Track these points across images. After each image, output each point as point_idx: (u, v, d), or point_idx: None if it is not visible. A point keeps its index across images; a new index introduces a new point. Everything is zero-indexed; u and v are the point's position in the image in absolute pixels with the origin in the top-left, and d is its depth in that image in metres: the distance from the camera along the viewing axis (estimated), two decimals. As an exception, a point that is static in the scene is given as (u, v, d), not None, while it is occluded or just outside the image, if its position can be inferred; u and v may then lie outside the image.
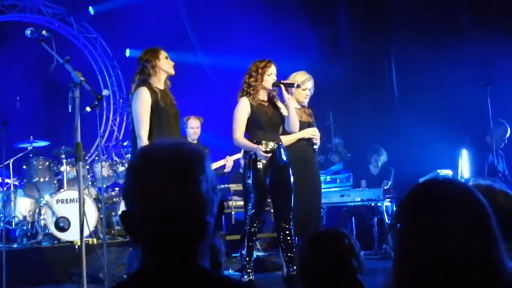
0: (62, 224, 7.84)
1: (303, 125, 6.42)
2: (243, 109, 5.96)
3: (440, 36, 10.07)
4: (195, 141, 8.60)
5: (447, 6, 10.34)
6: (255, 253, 7.66)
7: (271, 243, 9.05)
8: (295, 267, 5.62)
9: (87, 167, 8.89)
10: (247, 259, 5.88)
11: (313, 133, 6.51)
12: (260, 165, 5.85)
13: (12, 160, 8.54)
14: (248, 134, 6.00)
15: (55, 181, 8.64)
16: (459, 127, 9.40)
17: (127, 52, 12.39)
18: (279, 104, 6.14)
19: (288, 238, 5.92)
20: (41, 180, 8.45)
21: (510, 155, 8.84)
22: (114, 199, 8.90)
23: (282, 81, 6.11)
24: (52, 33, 5.42)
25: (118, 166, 8.99)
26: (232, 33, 11.06)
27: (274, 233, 7.67)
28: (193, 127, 8.59)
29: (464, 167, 8.64)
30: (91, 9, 12.22)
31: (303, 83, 6.48)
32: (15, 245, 8.06)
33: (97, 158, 10.18)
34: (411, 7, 10.44)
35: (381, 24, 11.14)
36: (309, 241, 2.60)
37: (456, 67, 9.62)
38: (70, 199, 7.99)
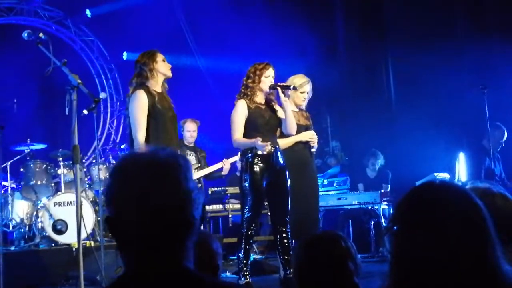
0: (59, 227, 7.83)
1: (301, 128, 6.42)
2: (240, 112, 5.96)
3: (437, 39, 10.07)
4: (192, 144, 8.60)
5: (444, 11, 10.36)
6: (252, 256, 7.67)
7: (268, 246, 9.04)
8: (292, 270, 5.62)
9: (85, 169, 8.88)
10: (244, 261, 5.88)
11: (310, 136, 6.51)
12: (257, 168, 5.85)
13: (9, 163, 8.56)
14: (245, 137, 5.99)
15: (53, 184, 8.64)
16: (456, 131, 9.42)
17: (124, 55, 12.38)
18: (277, 107, 6.14)
19: (285, 241, 5.92)
20: (39, 182, 8.45)
21: (506, 158, 8.85)
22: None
23: (279, 83, 6.11)
24: (49, 36, 5.41)
25: (115, 169, 8.96)
26: (229, 36, 11.06)
27: (271, 236, 7.66)
28: (190, 130, 8.58)
29: (461, 170, 8.66)
30: (88, 12, 12.21)
31: (301, 86, 6.48)
32: (12, 248, 8.06)
33: (94, 161, 10.18)
34: (408, 11, 10.46)
35: (379, 28, 11.17)
36: (306, 243, 2.60)
37: (453, 71, 9.65)
38: (68, 202, 7.97)
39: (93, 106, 4.95)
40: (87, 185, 8.80)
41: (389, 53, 11.17)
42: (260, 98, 6.05)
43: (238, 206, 7.69)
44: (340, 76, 11.20)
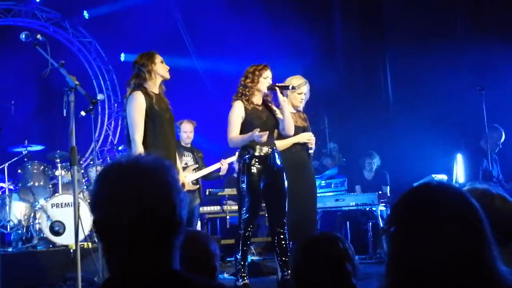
0: (57, 228, 7.83)
1: (298, 130, 6.41)
2: (237, 112, 5.95)
3: (437, 40, 10.06)
4: (189, 145, 8.59)
5: (443, 11, 10.35)
6: (250, 257, 7.67)
7: (265, 247, 9.04)
8: (289, 271, 5.61)
9: (82, 171, 8.88)
10: (242, 263, 5.88)
11: (308, 137, 6.50)
12: (254, 170, 5.85)
13: (7, 164, 8.55)
14: (242, 138, 5.99)
15: (50, 185, 8.64)
16: (454, 132, 9.40)
17: (122, 57, 12.38)
18: (274, 108, 6.14)
19: (283, 242, 5.92)
20: (36, 184, 8.45)
21: (504, 159, 8.85)
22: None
23: (277, 84, 6.11)
24: (47, 37, 5.41)
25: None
26: (226, 38, 11.07)
27: (268, 237, 7.67)
28: (186, 131, 8.57)
29: (459, 172, 8.66)
30: (86, 14, 12.21)
31: (299, 87, 6.46)
32: (10, 249, 8.04)
33: (92, 162, 10.18)
34: (406, 12, 10.45)
35: (377, 29, 11.17)
36: (304, 245, 2.60)
37: (452, 71, 9.64)
38: (65, 203, 7.98)
39: (91, 107, 4.94)
40: (85, 187, 8.79)
41: (388, 53, 11.16)
42: (257, 99, 6.04)
43: (236, 207, 7.69)
44: (338, 77, 11.19)
